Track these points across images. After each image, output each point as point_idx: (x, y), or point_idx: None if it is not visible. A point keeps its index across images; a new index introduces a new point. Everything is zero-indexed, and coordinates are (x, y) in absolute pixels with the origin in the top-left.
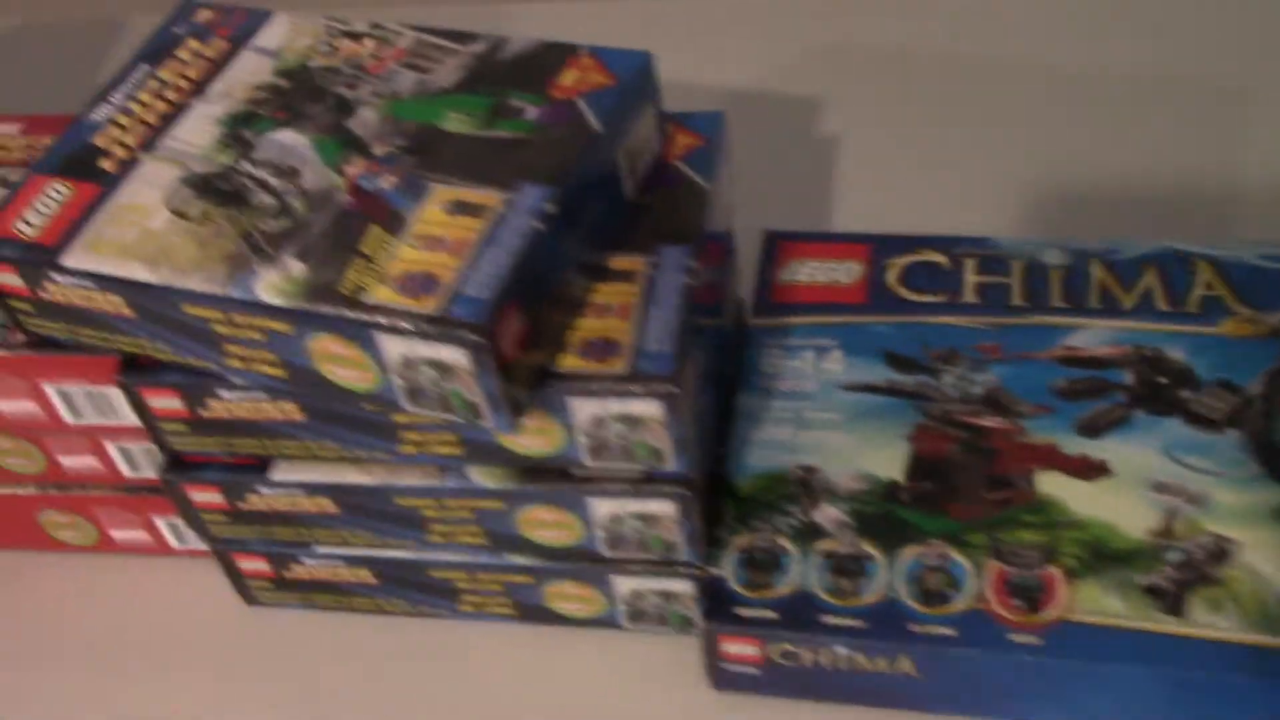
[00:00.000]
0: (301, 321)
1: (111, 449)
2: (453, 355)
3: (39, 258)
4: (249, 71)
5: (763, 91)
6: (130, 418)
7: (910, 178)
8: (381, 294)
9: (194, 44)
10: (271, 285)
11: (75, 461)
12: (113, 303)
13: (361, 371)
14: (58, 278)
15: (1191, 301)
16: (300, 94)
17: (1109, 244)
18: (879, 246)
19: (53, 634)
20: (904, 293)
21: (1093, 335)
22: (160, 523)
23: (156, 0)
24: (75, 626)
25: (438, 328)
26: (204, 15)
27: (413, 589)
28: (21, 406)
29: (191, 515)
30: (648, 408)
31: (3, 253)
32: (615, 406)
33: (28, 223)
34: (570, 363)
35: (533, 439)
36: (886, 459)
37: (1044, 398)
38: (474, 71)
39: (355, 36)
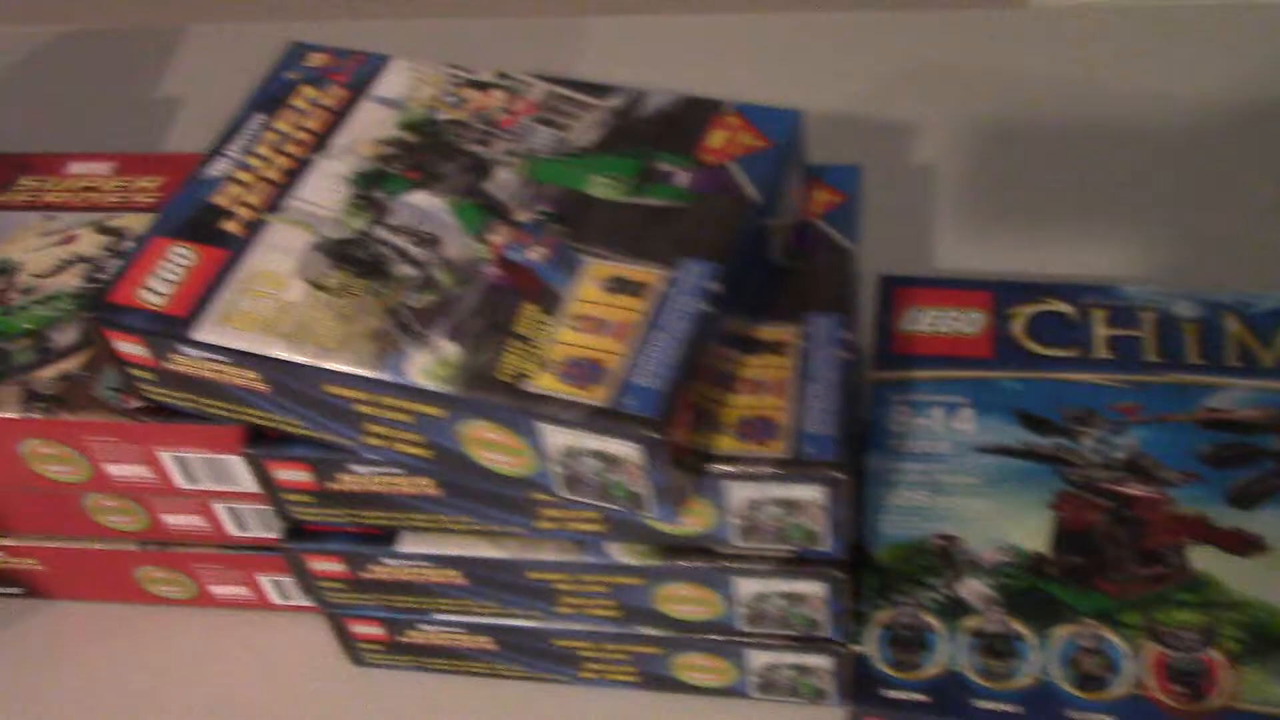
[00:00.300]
0: (457, 407)
1: (219, 509)
2: (623, 449)
3: (169, 330)
4: (372, 124)
5: (850, 116)
6: (247, 484)
7: (1016, 212)
8: (544, 382)
9: (309, 91)
10: (424, 369)
11: (179, 520)
12: (246, 377)
13: (517, 458)
14: (189, 351)
15: None
16: (431, 151)
17: (1242, 296)
18: (1001, 294)
19: (154, 688)
20: (1032, 346)
21: (1234, 396)
22: (264, 580)
23: (215, 10)
24: (177, 680)
25: (608, 421)
26: (316, 59)
27: (533, 655)
28: (132, 470)
29: (308, 582)
30: (810, 493)
31: (128, 322)
32: (775, 491)
33: (153, 290)
34: (728, 444)
35: (682, 520)
36: (1029, 529)
37: (1189, 464)
38: (614, 129)
39: (482, 87)
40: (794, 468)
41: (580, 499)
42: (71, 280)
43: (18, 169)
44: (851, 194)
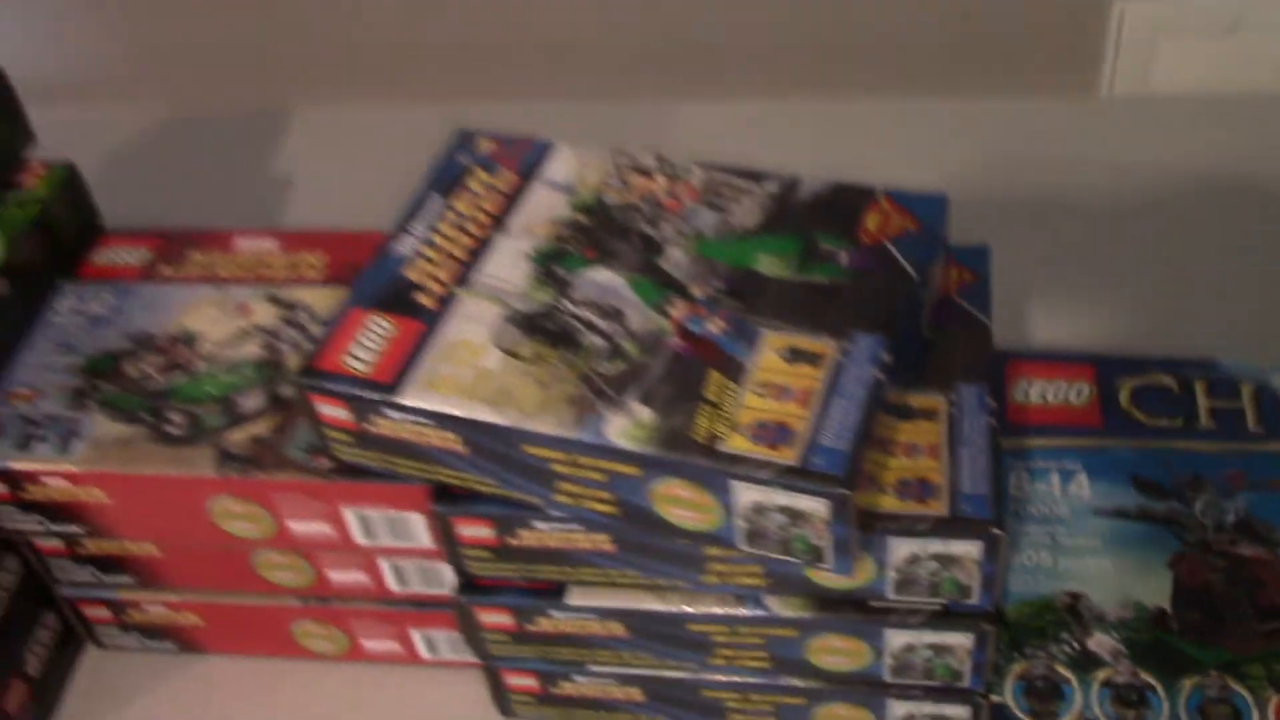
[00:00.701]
0: (653, 466)
1: (385, 565)
2: (811, 504)
3: (376, 395)
4: (546, 206)
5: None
6: (423, 541)
7: (1099, 288)
8: (737, 443)
9: (483, 175)
10: (622, 431)
11: (344, 576)
12: (446, 439)
13: (704, 514)
14: (393, 414)
15: None
16: (604, 231)
17: None
18: (1105, 367)
19: None
20: (1139, 415)
21: None
22: (416, 634)
23: (321, 92)
24: None
25: (799, 479)
26: (486, 146)
27: (680, 706)
28: (314, 527)
29: (474, 635)
30: (967, 549)
31: (336, 388)
32: (934, 547)
33: (356, 358)
34: (889, 503)
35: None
36: (1150, 587)
37: None
38: (774, 212)
39: (645, 172)
40: (954, 525)
41: (761, 552)
42: (251, 349)
43: (186, 245)
44: (982, 273)
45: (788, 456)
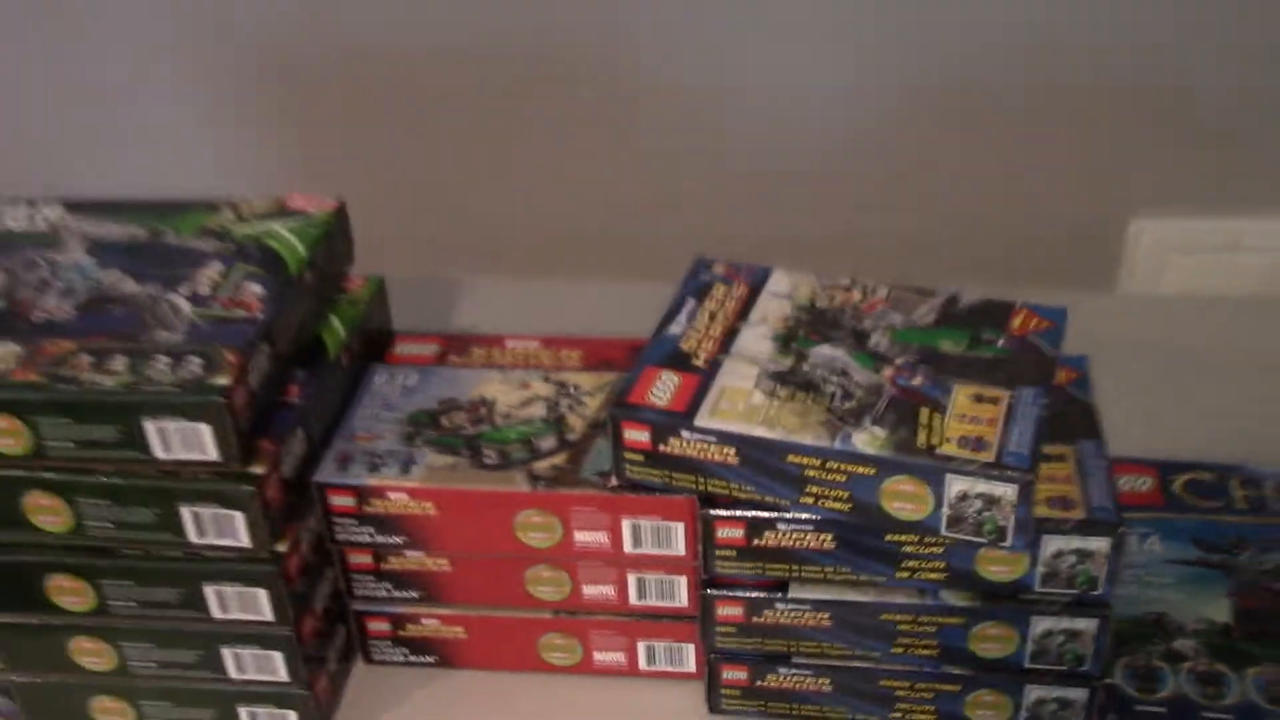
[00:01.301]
0: (887, 466)
1: (630, 579)
2: (1004, 489)
3: (676, 420)
4: (774, 308)
5: None
6: (679, 549)
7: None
8: (949, 449)
9: (721, 288)
10: (864, 441)
11: (594, 590)
12: (725, 453)
13: (919, 505)
14: (686, 434)
15: None
16: (822, 323)
17: None
18: (1161, 467)
19: None
20: (1189, 499)
21: None
22: (641, 645)
23: (492, 264)
24: None
25: (998, 470)
26: (719, 269)
27: (858, 697)
28: (594, 536)
29: (709, 627)
30: (1099, 544)
31: (643, 416)
32: (1075, 543)
33: (656, 396)
34: (1042, 510)
35: (1003, 567)
36: (1216, 609)
37: None
38: (944, 313)
39: (845, 289)
40: (1091, 525)
41: (957, 535)
42: (538, 409)
43: (468, 343)
44: (1083, 370)
45: (987, 456)
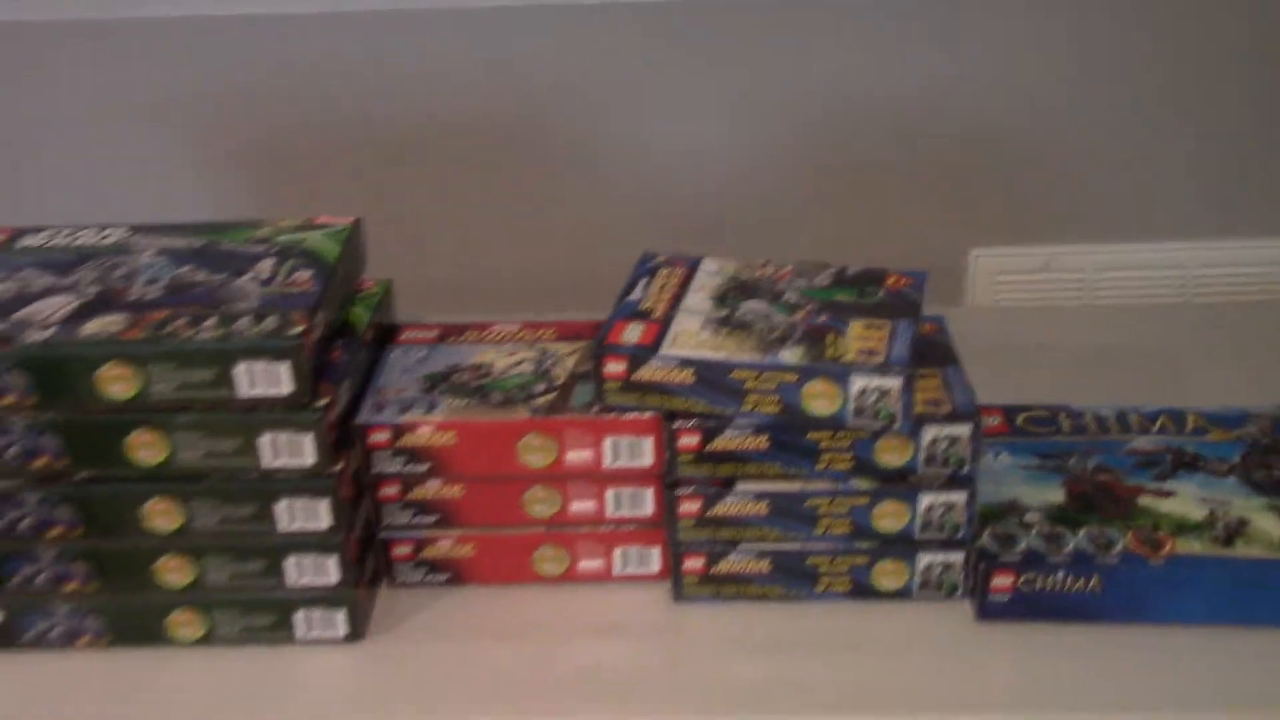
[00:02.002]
0: (806, 373)
1: (608, 494)
2: (892, 383)
3: (645, 352)
4: (708, 280)
5: None
6: (648, 460)
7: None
8: (850, 358)
9: (665, 270)
10: (789, 355)
11: (580, 506)
12: (684, 375)
13: (831, 402)
14: (654, 362)
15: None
16: (746, 288)
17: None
18: (1006, 409)
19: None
20: (1028, 428)
21: (1146, 441)
22: (616, 552)
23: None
24: (561, 635)
25: (885, 368)
26: (662, 258)
27: (790, 575)
28: (581, 455)
29: (673, 523)
30: (962, 430)
31: (619, 350)
32: (946, 430)
33: (627, 339)
34: (921, 410)
35: (894, 455)
36: (1052, 495)
37: (1124, 465)
38: (837, 278)
39: (760, 266)
40: (957, 415)
41: (860, 423)
42: (527, 368)
43: (462, 329)
44: (918, 290)
45: (878, 360)
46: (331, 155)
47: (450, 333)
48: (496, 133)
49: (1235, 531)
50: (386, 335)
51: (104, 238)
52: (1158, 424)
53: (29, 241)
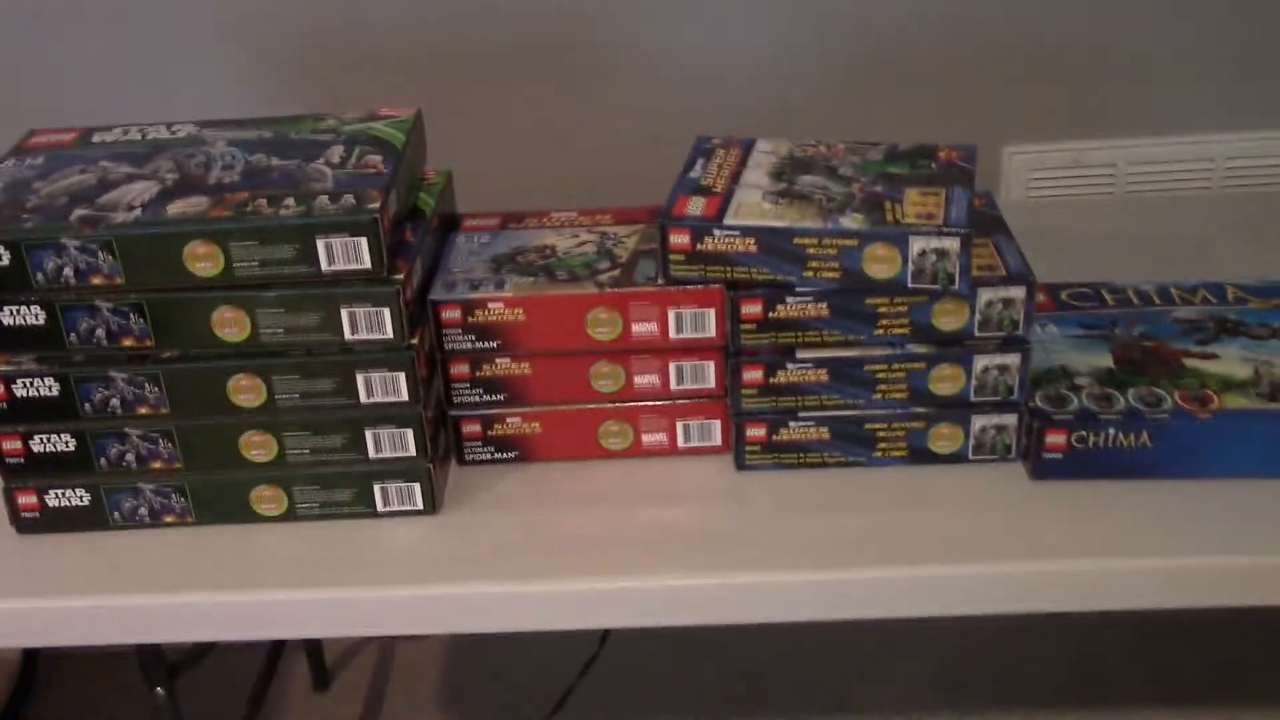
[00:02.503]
0: (867, 237)
1: (671, 367)
2: (951, 243)
3: (709, 223)
4: (764, 159)
5: None
6: (711, 330)
7: None
8: (909, 221)
9: (721, 151)
10: (849, 220)
11: (643, 380)
12: (746, 244)
13: (890, 265)
14: (717, 232)
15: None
16: (801, 164)
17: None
18: (1050, 287)
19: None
20: (1072, 302)
21: (1188, 311)
22: (679, 425)
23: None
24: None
25: (944, 229)
26: (716, 141)
27: (849, 441)
28: (647, 327)
29: (736, 391)
30: (1017, 293)
31: (683, 222)
32: (1001, 293)
33: (689, 211)
34: (976, 274)
35: (951, 319)
36: (1099, 361)
37: (1169, 332)
38: (889, 153)
39: (813, 145)
40: (1011, 278)
41: (921, 285)
42: (589, 248)
43: (522, 217)
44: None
45: (936, 223)
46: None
47: (511, 220)
48: (534, 37)
49: None
50: (450, 223)
51: (174, 132)
52: (1198, 296)
53: (101, 138)
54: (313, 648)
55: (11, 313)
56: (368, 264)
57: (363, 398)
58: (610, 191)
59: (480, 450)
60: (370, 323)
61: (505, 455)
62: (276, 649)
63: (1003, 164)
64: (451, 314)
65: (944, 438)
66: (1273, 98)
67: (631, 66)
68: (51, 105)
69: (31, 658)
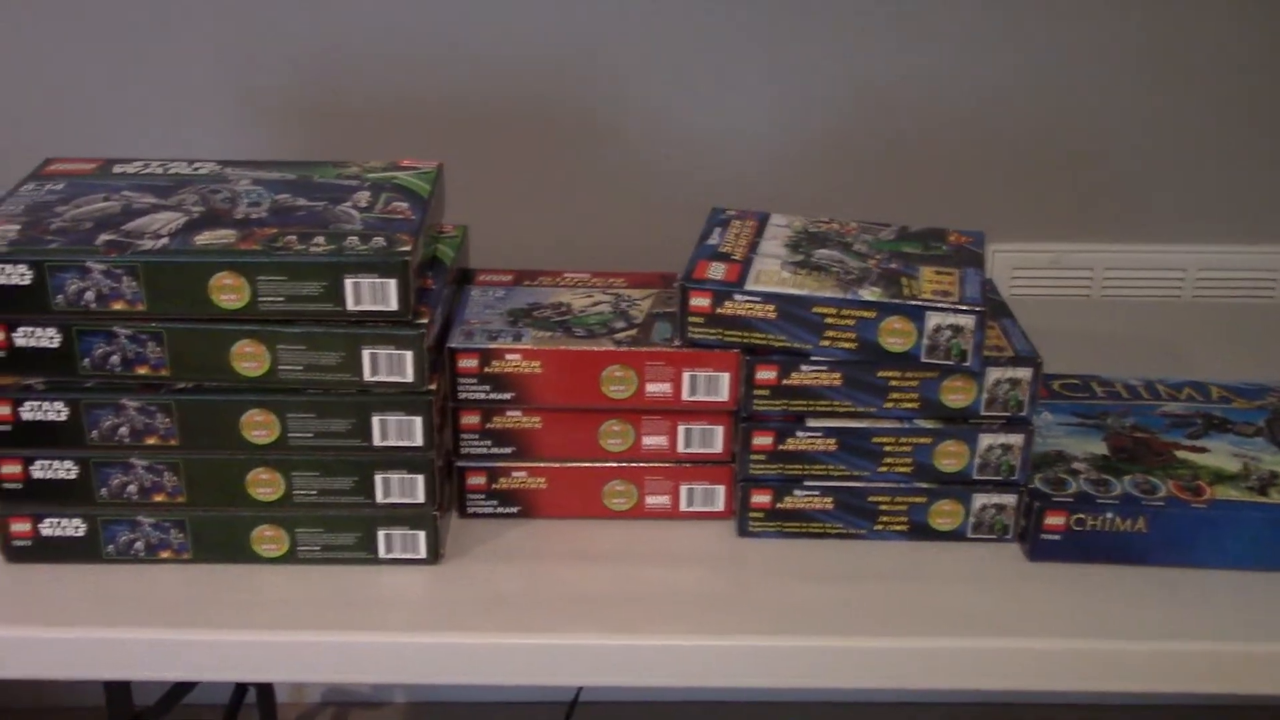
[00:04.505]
0: (885, 309)
1: (680, 429)
2: (966, 320)
3: (730, 287)
4: (779, 231)
5: None
6: (721, 395)
7: None
8: (926, 296)
9: (737, 223)
10: (868, 293)
11: (652, 440)
12: (766, 310)
13: (906, 339)
14: (738, 297)
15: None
16: (817, 238)
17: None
18: (1047, 377)
19: (603, 579)
20: (1064, 392)
21: (1175, 406)
22: (683, 488)
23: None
24: (626, 566)
25: (958, 305)
26: (731, 213)
27: (851, 512)
28: (660, 387)
29: (744, 456)
30: (1023, 373)
31: (705, 285)
32: (1009, 373)
33: (710, 276)
34: (984, 355)
35: (959, 395)
36: (1094, 448)
37: (1159, 425)
38: (901, 234)
39: (826, 222)
40: (1019, 359)
41: (934, 360)
42: (605, 307)
43: (536, 274)
44: (979, 246)
45: (952, 300)
46: (375, 120)
47: (524, 277)
48: (540, 106)
49: (1268, 483)
50: (464, 277)
51: (195, 169)
52: (1184, 393)
53: (122, 169)
54: (266, 711)
55: (26, 333)
56: (394, 305)
57: (376, 440)
58: (608, 257)
59: (483, 503)
60: (391, 365)
61: (508, 509)
62: (234, 710)
63: (987, 260)
64: (468, 363)
65: (945, 514)
66: (1244, 214)
67: (636, 134)
68: (53, 149)
69: None
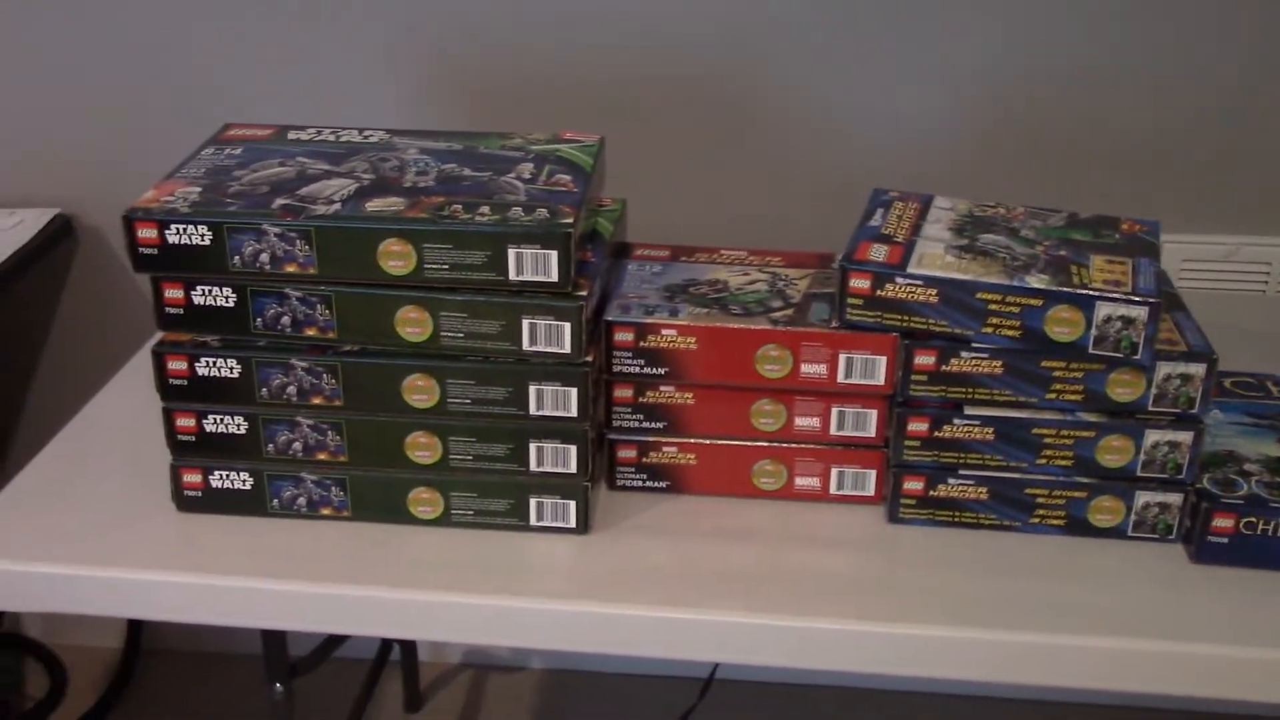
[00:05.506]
0: (1052, 297)
1: (833, 411)
2: (1139, 311)
3: (892, 270)
4: (942, 214)
5: None
6: (879, 378)
7: None
8: (1097, 285)
9: (899, 205)
10: (1035, 279)
11: (804, 421)
12: (928, 294)
13: (1073, 328)
14: (899, 280)
15: None
16: (981, 223)
17: None
18: (1219, 374)
19: (756, 558)
20: (1236, 390)
21: None
22: (834, 471)
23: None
24: (774, 546)
25: (1134, 296)
26: (894, 195)
27: (1007, 504)
28: (816, 369)
29: (899, 442)
30: (1197, 369)
31: (866, 266)
32: (1180, 368)
33: (873, 256)
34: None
35: (1126, 389)
36: (1268, 449)
37: None
38: (1070, 220)
39: (991, 207)
40: (1191, 354)
41: (1100, 351)
42: (761, 286)
43: (693, 250)
44: (1154, 235)
45: (1126, 289)
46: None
47: (681, 253)
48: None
49: None
50: (621, 251)
51: (366, 137)
52: None
53: (296, 135)
54: (409, 668)
55: (204, 292)
56: (555, 277)
57: (532, 409)
58: (764, 236)
59: (633, 476)
60: (550, 335)
61: (656, 484)
62: (378, 666)
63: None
64: (624, 336)
65: (1105, 511)
66: None
67: (797, 113)
68: (221, 117)
69: (133, 649)
